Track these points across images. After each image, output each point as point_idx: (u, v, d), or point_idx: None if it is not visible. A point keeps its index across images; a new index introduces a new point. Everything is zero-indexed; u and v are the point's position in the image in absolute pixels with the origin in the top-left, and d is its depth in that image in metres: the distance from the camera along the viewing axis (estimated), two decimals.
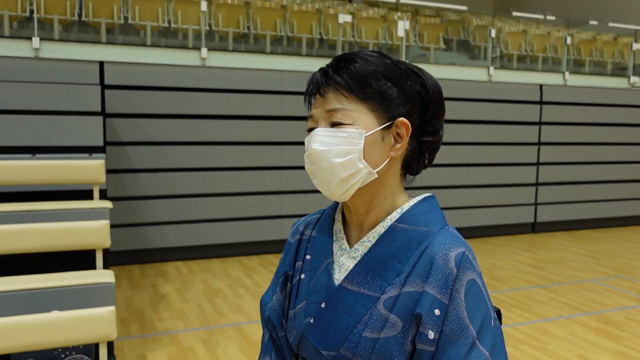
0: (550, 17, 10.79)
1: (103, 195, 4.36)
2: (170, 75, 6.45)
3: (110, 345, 2.82)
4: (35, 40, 5.92)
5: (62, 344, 2.67)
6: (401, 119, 1.04)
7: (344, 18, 7.62)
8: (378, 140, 1.02)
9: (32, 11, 6.36)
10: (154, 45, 6.93)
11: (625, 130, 9.12)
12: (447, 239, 1.02)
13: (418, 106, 1.07)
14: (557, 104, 8.60)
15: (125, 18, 7.15)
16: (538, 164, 8.55)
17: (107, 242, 3.40)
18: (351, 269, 1.04)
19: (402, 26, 7.86)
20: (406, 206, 1.08)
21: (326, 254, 1.09)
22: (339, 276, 1.06)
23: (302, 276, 1.12)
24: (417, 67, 1.09)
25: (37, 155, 4.45)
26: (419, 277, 0.98)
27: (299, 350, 1.10)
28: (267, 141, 6.89)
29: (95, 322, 2.72)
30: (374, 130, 1.01)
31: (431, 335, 0.95)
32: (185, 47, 6.94)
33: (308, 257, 1.13)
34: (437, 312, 0.95)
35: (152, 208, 6.45)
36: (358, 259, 1.05)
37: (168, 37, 7.58)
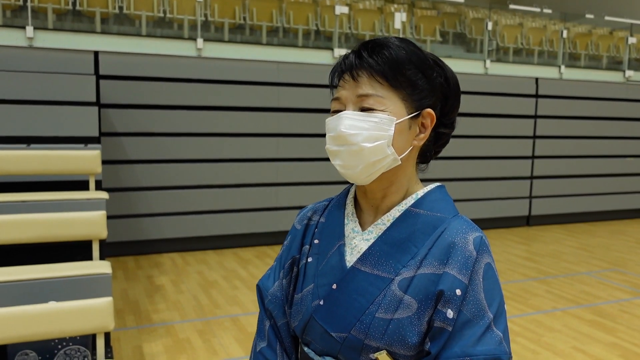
0: (547, 11, 10.78)
1: (98, 186, 4.32)
2: (165, 65, 6.40)
3: (107, 336, 2.81)
4: (29, 30, 5.86)
5: (59, 335, 2.65)
6: (428, 109, 1.05)
7: (341, 9, 7.59)
8: (405, 129, 1.03)
9: (25, 0, 6.28)
10: (149, 35, 6.87)
11: (620, 124, 9.15)
12: (463, 224, 1.03)
13: (440, 98, 1.08)
14: (553, 97, 8.61)
15: (120, 8, 7.08)
16: (533, 157, 8.57)
17: (103, 233, 3.38)
18: (364, 251, 1.04)
19: (399, 18, 7.83)
20: (421, 192, 1.09)
21: (338, 237, 1.09)
22: (351, 258, 1.06)
23: (309, 260, 1.11)
24: (439, 59, 1.10)
25: (32, 146, 4.41)
26: (437, 260, 0.98)
27: (303, 335, 1.08)
28: (263, 133, 6.86)
29: (92, 313, 2.70)
30: (404, 119, 1.02)
31: (450, 314, 0.95)
32: (180, 38, 6.89)
33: (316, 241, 1.12)
34: (458, 291, 0.96)
35: (147, 199, 6.42)
36: (372, 241, 1.05)
37: (163, 27, 7.52)
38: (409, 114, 1.03)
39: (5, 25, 6.15)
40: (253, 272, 5.91)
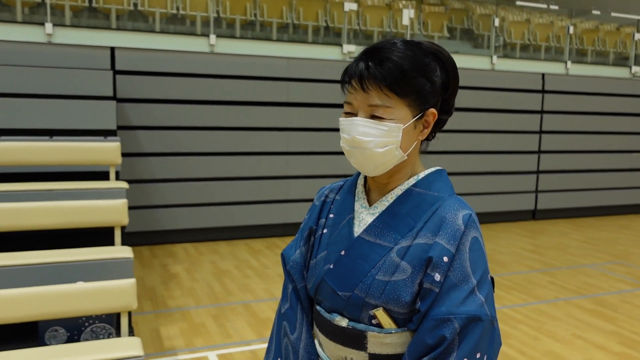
0: (554, 7, 10.86)
1: (116, 176, 4.51)
2: (179, 61, 6.57)
3: (130, 315, 2.98)
4: (48, 26, 6.05)
5: (86, 313, 2.83)
6: (430, 109, 1.20)
7: (350, 6, 7.73)
8: (411, 129, 1.18)
9: None
10: (162, 31, 7.04)
11: (626, 119, 9.23)
12: (455, 202, 1.20)
13: (441, 90, 1.22)
14: (559, 93, 8.71)
15: (135, 4, 7.26)
16: (539, 152, 8.68)
17: (125, 220, 3.56)
18: (370, 223, 1.21)
19: (407, 14, 7.95)
20: (422, 174, 1.25)
21: (348, 211, 1.26)
22: (358, 229, 1.23)
23: (325, 231, 1.28)
24: (435, 47, 1.22)
25: (54, 138, 4.60)
26: (430, 232, 1.15)
27: (316, 295, 1.26)
28: (273, 127, 7.02)
29: (116, 293, 2.88)
30: (409, 123, 1.17)
31: (437, 277, 1.12)
32: (193, 34, 7.06)
33: (331, 215, 1.29)
34: (445, 258, 1.12)
35: (161, 191, 6.60)
36: (376, 215, 1.22)
37: (176, 23, 7.69)
38: (414, 117, 1.17)
39: (24, 22, 6.34)
40: (264, 262, 6.08)
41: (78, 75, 5.53)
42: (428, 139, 1.27)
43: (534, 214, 8.82)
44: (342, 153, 1.37)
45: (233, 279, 5.48)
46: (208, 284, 5.33)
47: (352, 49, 7.71)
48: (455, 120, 7.85)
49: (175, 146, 6.63)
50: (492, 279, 1.30)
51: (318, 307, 1.26)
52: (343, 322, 1.20)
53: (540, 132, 8.66)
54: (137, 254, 6.28)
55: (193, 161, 6.72)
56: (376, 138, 1.15)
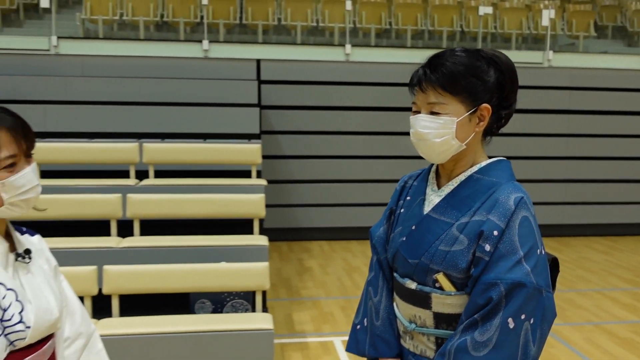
0: None
1: (258, 175, 5.05)
2: (317, 70, 7.06)
3: (264, 294, 3.41)
4: (205, 43, 6.86)
5: (228, 289, 3.32)
6: (484, 105, 1.39)
7: (485, 10, 7.69)
8: (466, 122, 1.38)
9: (202, 17, 7.33)
10: (303, 43, 7.60)
11: None
12: (510, 187, 1.38)
13: (496, 90, 1.40)
14: None
15: (279, 19, 7.91)
16: None
17: (262, 213, 4.04)
18: (436, 203, 1.44)
19: (547, 15, 7.72)
20: (483, 163, 1.45)
21: (421, 194, 1.50)
22: (427, 208, 1.46)
23: (402, 210, 1.54)
24: (494, 54, 1.41)
25: (207, 140, 5.28)
26: (485, 211, 1.36)
27: (393, 263, 1.51)
28: (404, 131, 7.22)
29: (253, 274, 3.32)
30: (463, 117, 1.38)
31: (487, 247, 1.32)
32: (331, 44, 7.52)
33: (408, 198, 1.54)
34: (495, 232, 1.32)
35: (299, 191, 7.13)
36: (442, 196, 1.45)
37: (316, 35, 8.23)
38: (467, 112, 1.37)
39: (186, 40, 7.25)
40: None
41: (228, 85, 6.24)
42: (492, 132, 1.45)
43: None
44: None
45: (362, 275, 5.79)
46: (339, 278, 5.69)
47: None
48: (604, 124, 7.45)
49: (313, 149, 7.11)
50: (555, 259, 1.45)
51: (395, 274, 1.51)
52: (413, 285, 1.44)
53: None
54: (276, 248, 6.85)
55: (329, 164, 7.16)
56: (434, 130, 1.37)
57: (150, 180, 4.68)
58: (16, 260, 1.26)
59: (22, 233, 1.35)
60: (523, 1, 9.31)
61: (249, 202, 4.06)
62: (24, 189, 1.23)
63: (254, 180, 4.59)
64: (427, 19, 8.32)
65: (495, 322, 1.28)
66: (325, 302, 4.99)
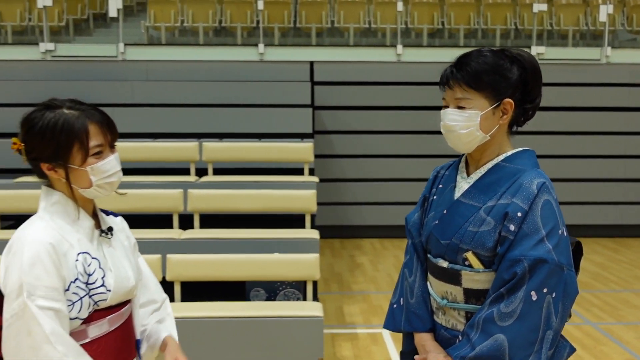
0: None
1: (310, 172, 5.26)
2: (369, 71, 7.20)
3: (314, 284, 3.59)
4: (261, 46, 7.13)
5: (280, 279, 3.52)
6: (507, 99, 1.52)
7: (539, 7, 7.61)
8: (490, 116, 1.52)
9: (258, 22, 7.61)
10: (355, 45, 7.75)
11: None
12: (534, 173, 1.51)
13: (520, 86, 1.53)
14: None
15: (332, 22, 8.09)
16: None
17: (313, 208, 4.23)
18: (466, 189, 1.58)
19: (605, 10, 7.56)
20: (509, 152, 1.58)
21: (452, 181, 1.64)
22: (457, 194, 1.60)
23: (435, 197, 1.68)
24: (519, 53, 1.54)
25: (262, 139, 5.52)
26: (510, 195, 1.49)
27: (427, 245, 1.65)
28: None
29: (304, 265, 3.51)
30: (486, 110, 1.51)
31: (512, 227, 1.44)
32: (383, 45, 7.63)
33: (440, 186, 1.68)
34: (519, 214, 1.45)
35: (351, 190, 7.28)
36: (471, 183, 1.58)
37: (368, 36, 8.36)
38: (490, 106, 1.50)
39: (242, 45, 7.54)
40: None
41: (282, 87, 6.47)
42: (518, 124, 1.57)
43: None
44: None
45: None
46: (389, 274, 5.81)
47: (542, 50, 7.58)
48: None
49: (364, 149, 7.25)
50: (579, 243, 1.56)
51: (429, 255, 1.65)
52: (444, 264, 1.57)
53: None
54: (329, 244, 7.03)
55: (380, 163, 7.27)
56: (460, 122, 1.51)
57: (209, 177, 4.98)
58: (100, 235, 1.49)
59: (107, 214, 1.58)
60: None
61: (301, 197, 4.26)
62: (108, 174, 1.44)
63: (306, 178, 4.79)
64: (480, 18, 8.30)
65: (519, 294, 1.41)
66: (375, 297, 5.13)
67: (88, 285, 1.40)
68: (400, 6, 7.58)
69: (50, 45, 6.97)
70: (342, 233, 7.37)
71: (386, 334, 4.26)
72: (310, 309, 3.38)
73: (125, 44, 7.08)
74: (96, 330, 1.42)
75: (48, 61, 6.96)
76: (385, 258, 6.44)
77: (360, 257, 6.48)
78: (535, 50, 7.54)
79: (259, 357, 3.29)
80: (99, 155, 1.43)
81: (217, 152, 5.16)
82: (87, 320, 1.40)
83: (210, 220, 4.38)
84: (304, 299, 3.61)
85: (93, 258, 1.42)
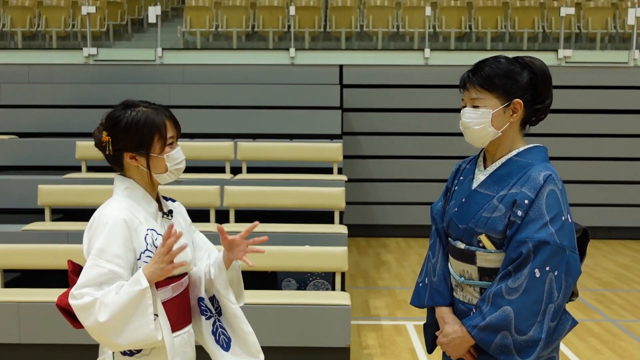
0: None
1: (339, 172, 5.48)
2: (396, 74, 7.38)
3: (342, 276, 3.79)
4: (292, 50, 7.38)
5: (310, 270, 3.75)
6: (516, 100, 1.71)
7: (566, 11, 7.69)
8: (501, 114, 1.72)
9: (289, 26, 7.87)
10: (384, 48, 7.94)
11: None
12: (542, 167, 1.70)
13: (530, 88, 1.73)
14: None
15: (361, 26, 8.30)
16: None
17: (342, 205, 4.45)
18: (482, 180, 1.78)
19: (633, 13, 7.61)
20: (521, 148, 1.78)
21: (470, 173, 1.85)
22: (475, 185, 1.80)
23: (456, 187, 1.89)
24: (531, 60, 1.73)
25: (293, 140, 5.77)
26: (520, 185, 1.69)
27: (448, 229, 1.86)
28: None
29: (332, 257, 3.72)
30: (497, 109, 1.71)
31: (519, 213, 1.64)
32: (411, 49, 7.81)
33: (461, 178, 1.89)
34: (525, 201, 1.64)
35: (377, 190, 7.47)
36: (487, 175, 1.79)
37: (397, 40, 8.55)
38: (501, 105, 1.71)
39: (274, 49, 7.81)
40: None
41: (312, 89, 6.71)
42: (530, 123, 1.77)
43: None
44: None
45: None
46: (414, 271, 5.99)
47: (569, 54, 7.66)
48: None
49: (392, 150, 7.43)
50: (585, 230, 1.74)
51: (449, 238, 1.85)
52: (462, 246, 1.78)
53: None
54: (356, 243, 7.23)
55: (407, 164, 7.44)
56: (474, 119, 1.72)
57: (244, 175, 5.24)
58: (163, 217, 1.75)
59: (167, 200, 1.84)
60: (609, 0, 9.15)
61: (330, 194, 4.48)
62: (178, 160, 1.72)
63: (335, 176, 5.02)
64: (507, 21, 8.40)
65: (524, 272, 1.61)
66: (400, 292, 5.31)
67: None
68: (428, 10, 7.75)
69: (93, 50, 7.34)
70: (368, 232, 7.56)
71: (410, 326, 4.45)
72: (338, 298, 3.59)
73: (163, 49, 7.41)
74: (162, 295, 1.67)
75: (90, 65, 7.34)
76: (410, 256, 6.62)
77: (386, 255, 6.67)
78: (563, 53, 7.62)
79: (291, 342, 3.52)
80: (171, 145, 1.71)
81: (251, 151, 5.43)
82: (156, 286, 1.64)
83: (245, 215, 4.63)
84: (333, 289, 3.83)
85: (158, 234, 1.68)
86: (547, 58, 7.65)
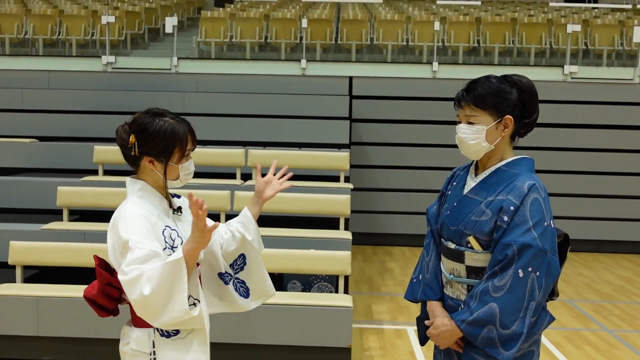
0: None
1: (346, 180, 5.66)
2: (404, 86, 7.56)
3: (346, 279, 3.96)
4: (303, 62, 7.59)
5: (315, 272, 3.91)
6: (507, 116, 1.88)
7: (573, 27, 7.85)
8: (493, 130, 1.89)
9: (301, 38, 8.08)
10: (393, 61, 8.13)
11: None
12: (527, 177, 1.87)
13: (519, 104, 1.90)
14: None
15: (371, 39, 8.50)
16: None
17: (347, 211, 4.61)
18: (472, 187, 1.96)
19: (638, 32, 7.75)
20: (510, 159, 1.94)
21: (463, 180, 2.02)
22: (466, 190, 1.97)
23: (449, 192, 2.06)
24: (519, 79, 1.90)
25: (302, 148, 5.96)
26: (506, 193, 1.85)
27: (440, 231, 2.03)
28: None
29: (336, 261, 3.89)
30: (490, 125, 1.88)
31: (505, 218, 1.81)
32: (419, 62, 8.00)
33: (454, 183, 2.06)
34: (511, 207, 1.81)
35: (384, 199, 7.63)
36: (477, 182, 1.95)
37: (406, 53, 8.74)
38: (494, 122, 1.87)
39: (286, 60, 8.03)
40: None
41: (322, 100, 6.90)
42: (519, 135, 1.94)
43: None
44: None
45: None
46: None
47: (575, 70, 7.80)
48: None
49: (398, 160, 7.59)
50: (566, 235, 1.90)
51: (442, 239, 2.02)
52: (452, 246, 1.95)
53: None
54: (361, 250, 7.38)
55: (413, 174, 7.60)
56: (469, 135, 1.89)
57: (254, 181, 5.40)
58: (173, 213, 1.93)
59: (173, 196, 2.00)
60: (617, 17, 9.29)
61: (336, 201, 4.65)
62: (189, 171, 1.90)
63: (341, 184, 5.19)
64: (515, 37, 8.57)
65: (509, 272, 1.78)
66: (403, 298, 5.44)
67: (173, 249, 1.82)
68: (437, 25, 7.94)
69: (111, 58, 7.59)
70: (374, 240, 7.72)
71: (411, 330, 4.59)
72: (341, 300, 3.76)
73: (179, 58, 7.65)
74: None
75: (109, 72, 7.59)
76: (414, 264, 6.73)
77: (391, 263, 6.81)
78: (569, 69, 7.76)
79: (295, 341, 3.68)
80: (187, 157, 1.88)
81: (261, 158, 5.61)
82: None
83: None
84: (336, 291, 3.99)
85: (172, 229, 1.85)
86: (553, 73, 7.82)
